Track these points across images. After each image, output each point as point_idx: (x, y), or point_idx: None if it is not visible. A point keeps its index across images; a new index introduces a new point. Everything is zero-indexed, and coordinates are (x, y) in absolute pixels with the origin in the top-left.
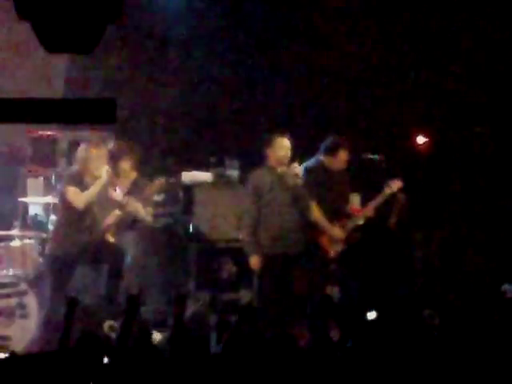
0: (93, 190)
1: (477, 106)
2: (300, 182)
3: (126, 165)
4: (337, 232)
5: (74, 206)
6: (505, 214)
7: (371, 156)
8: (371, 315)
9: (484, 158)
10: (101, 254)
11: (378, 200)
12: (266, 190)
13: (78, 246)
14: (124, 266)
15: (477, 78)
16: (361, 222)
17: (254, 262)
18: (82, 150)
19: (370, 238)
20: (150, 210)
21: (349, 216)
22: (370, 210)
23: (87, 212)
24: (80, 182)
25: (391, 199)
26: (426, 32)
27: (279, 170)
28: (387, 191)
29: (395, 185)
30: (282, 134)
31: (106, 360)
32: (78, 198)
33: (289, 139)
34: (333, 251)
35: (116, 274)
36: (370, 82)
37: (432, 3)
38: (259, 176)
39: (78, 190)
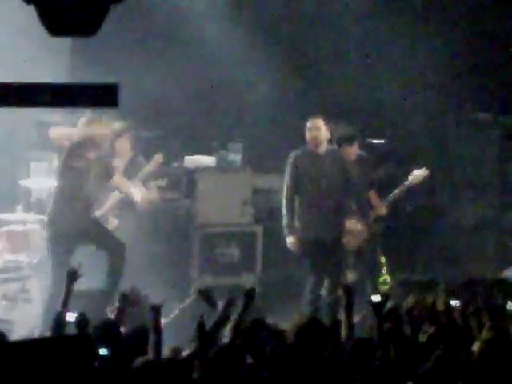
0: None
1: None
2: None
3: (125, 143)
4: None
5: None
6: None
7: (374, 141)
8: (375, 298)
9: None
10: (101, 242)
11: (402, 189)
12: (302, 172)
13: (73, 227)
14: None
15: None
16: (383, 212)
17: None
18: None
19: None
20: (154, 183)
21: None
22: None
23: (78, 191)
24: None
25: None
26: None
27: (318, 151)
28: (413, 181)
29: (420, 174)
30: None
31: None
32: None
33: (323, 119)
34: (354, 243)
35: (116, 272)
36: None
37: None
38: (297, 157)
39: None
